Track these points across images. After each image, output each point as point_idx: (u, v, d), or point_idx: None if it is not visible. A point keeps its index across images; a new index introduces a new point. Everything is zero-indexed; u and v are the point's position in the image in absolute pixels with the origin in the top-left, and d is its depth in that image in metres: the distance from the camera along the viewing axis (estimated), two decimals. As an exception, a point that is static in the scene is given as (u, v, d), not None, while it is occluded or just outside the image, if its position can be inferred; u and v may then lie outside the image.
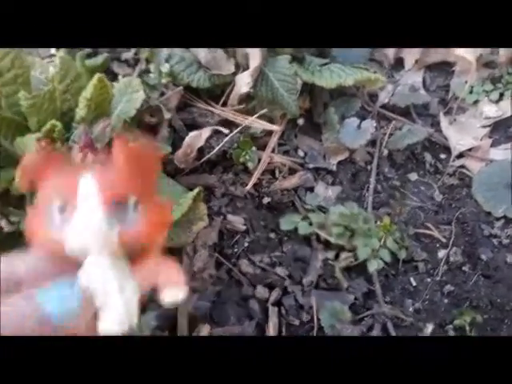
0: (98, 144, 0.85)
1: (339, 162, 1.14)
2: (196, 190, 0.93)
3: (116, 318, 0.38)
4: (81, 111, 0.84)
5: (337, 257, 1.01)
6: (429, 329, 0.87)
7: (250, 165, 1.04)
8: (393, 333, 0.91)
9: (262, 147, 1.10)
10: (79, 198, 0.38)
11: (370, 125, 1.08)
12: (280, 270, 1.00)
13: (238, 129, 1.02)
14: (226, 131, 0.98)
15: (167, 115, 1.02)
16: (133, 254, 0.42)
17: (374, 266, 0.93)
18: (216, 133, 1.04)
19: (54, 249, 0.39)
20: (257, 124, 1.01)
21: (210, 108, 1.06)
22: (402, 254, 0.99)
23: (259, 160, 1.08)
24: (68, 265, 0.39)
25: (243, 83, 1.03)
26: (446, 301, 0.97)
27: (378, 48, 1.27)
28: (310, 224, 1.01)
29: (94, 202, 0.38)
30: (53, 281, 0.38)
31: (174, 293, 0.40)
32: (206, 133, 0.98)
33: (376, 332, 0.90)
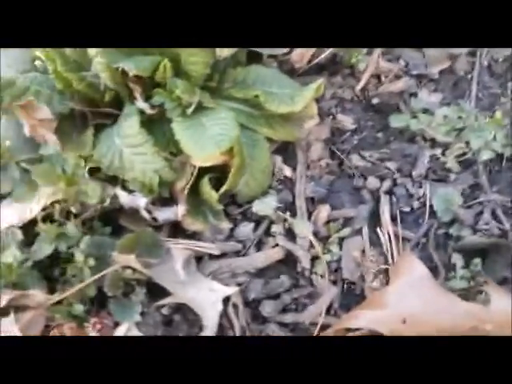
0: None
1: (440, 71, 1.19)
2: (319, 81, 0.99)
3: None
4: None
5: (443, 154, 1.06)
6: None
7: (361, 66, 1.10)
8: (503, 219, 0.96)
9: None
10: None
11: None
12: (390, 164, 1.06)
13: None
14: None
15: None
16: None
17: (485, 156, 0.98)
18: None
19: None
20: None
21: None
22: (508, 152, 1.04)
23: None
24: None
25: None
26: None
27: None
28: (419, 121, 1.06)
29: None
30: None
31: None
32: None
33: (487, 216, 0.96)
